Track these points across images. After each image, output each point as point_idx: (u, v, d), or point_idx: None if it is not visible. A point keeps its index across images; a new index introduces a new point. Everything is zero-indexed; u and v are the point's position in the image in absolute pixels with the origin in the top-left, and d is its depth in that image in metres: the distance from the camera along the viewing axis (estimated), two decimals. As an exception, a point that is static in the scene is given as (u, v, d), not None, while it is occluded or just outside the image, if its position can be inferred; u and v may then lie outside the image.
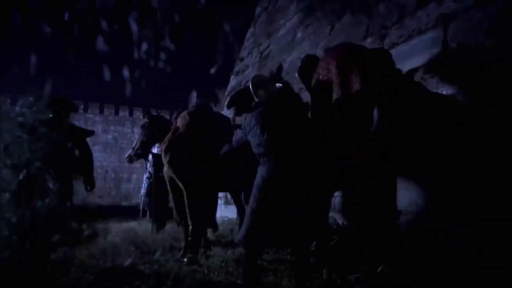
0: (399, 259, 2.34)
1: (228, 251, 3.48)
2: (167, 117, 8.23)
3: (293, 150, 2.52)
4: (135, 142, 4.49)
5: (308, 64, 2.83)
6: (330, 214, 3.67)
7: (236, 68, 7.09)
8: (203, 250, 3.51)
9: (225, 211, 6.43)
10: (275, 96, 2.69)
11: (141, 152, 4.45)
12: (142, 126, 4.42)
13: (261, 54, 6.15)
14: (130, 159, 4.63)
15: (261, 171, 2.55)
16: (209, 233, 4.80)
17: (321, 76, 2.59)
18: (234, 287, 2.38)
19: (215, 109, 5.72)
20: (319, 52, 4.41)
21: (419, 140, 2.61)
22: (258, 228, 2.45)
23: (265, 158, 2.54)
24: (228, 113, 3.19)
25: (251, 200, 2.52)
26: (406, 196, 2.75)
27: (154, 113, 5.04)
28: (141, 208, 6.44)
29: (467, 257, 2.11)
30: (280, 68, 3.13)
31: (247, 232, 2.45)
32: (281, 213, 2.44)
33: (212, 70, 2.66)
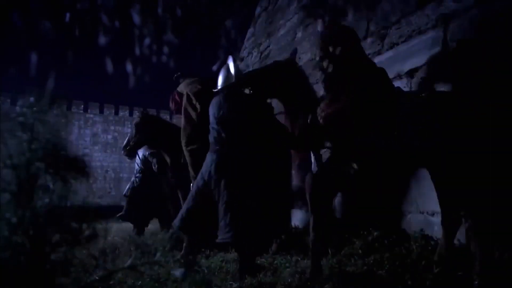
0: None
1: (228, 251, 3.48)
2: (167, 117, 8.20)
3: (242, 145, 2.46)
4: (126, 140, 4.49)
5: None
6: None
7: (236, 68, 7.07)
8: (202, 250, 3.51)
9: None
10: (233, 87, 2.64)
11: (132, 150, 4.45)
12: (136, 125, 4.41)
13: (261, 54, 6.15)
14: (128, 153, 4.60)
15: (207, 159, 2.56)
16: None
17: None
18: (234, 287, 2.38)
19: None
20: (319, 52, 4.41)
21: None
22: (191, 214, 2.48)
23: (213, 147, 2.53)
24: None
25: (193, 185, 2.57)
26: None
27: (150, 114, 5.00)
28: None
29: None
30: (295, 51, 2.98)
31: (181, 216, 2.51)
32: (215, 204, 2.42)
33: (215, 67, 2.62)
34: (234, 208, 2.35)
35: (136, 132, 4.36)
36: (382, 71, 2.44)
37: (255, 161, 2.48)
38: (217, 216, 2.40)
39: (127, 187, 5.43)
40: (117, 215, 4.83)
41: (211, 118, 2.60)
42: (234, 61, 2.76)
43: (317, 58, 2.57)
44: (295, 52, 2.80)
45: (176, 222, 2.57)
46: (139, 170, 5.14)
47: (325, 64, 2.45)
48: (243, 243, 2.43)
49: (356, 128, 2.28)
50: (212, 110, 2.62)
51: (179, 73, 3.78)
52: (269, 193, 2.54)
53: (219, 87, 2.69)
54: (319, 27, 2.64)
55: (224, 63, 2.78)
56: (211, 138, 2.58)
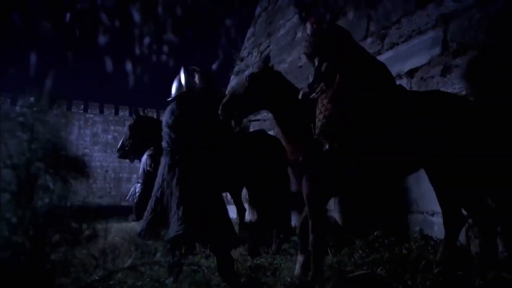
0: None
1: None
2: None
3: (192, 147, 2.64)
4: (120, 142, 4.44)
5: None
6: (330, 214, 3.67)
7: (236, 68, 7.08)
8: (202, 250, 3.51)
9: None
10: (186, 93, 2.85)
11: (127, 154, 4.38)
12: (130, 127, 4.35)
13: (261, 54, 6.15)
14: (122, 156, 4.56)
15: (161, 163, 2.74)
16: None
17: None
18: (234, 287, 2.38)
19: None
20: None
21: None
22: (152, 223, 2.59)
23: (166, 151, 2.71)
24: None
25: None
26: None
27: (145, 115, 4.91)
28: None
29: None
30: (267, 58, 3.00)
31: (144, 226, 2.64)
32: (171, 206, 2.53)
33: (214, 66, 2.61)
34: (185, 202, 2.48)
35: (130, 135, 4.30)
36: (382, 68, 2.42)
37: (204, 161, 2.66)
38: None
39: (131, 192, 5.45)
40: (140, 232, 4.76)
41: (164, 124, 2.79)
42: (185, 73, 2.96)
43: (306, 56, 2.61)
44: (267, 58, 2.74)
45: (140, 231, 2.65)
46: (143, 173, 5.12)
47: (316, 61, 2.47)
48: (195, 235, 2.53)
49: (356, 127, 2.27)
50: (165, 117, 2.82)
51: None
52: (218, 189, 2.74)
53: (172, 96, 2.90)
54: (308, 29, 2.67)
55: (230, 62, 2.82)
56: (164, 143, 2.74)
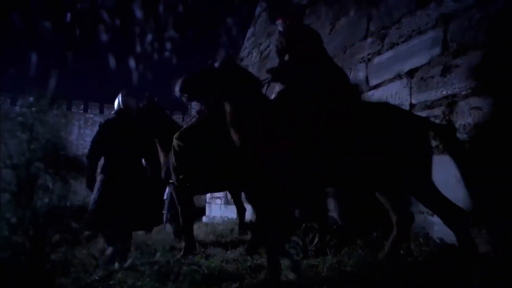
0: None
1: (228, 251, 3.48)
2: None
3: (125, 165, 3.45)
4: None
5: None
6: (330, 214, 3.68)
7: (236, 68, 7.07)
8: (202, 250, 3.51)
9: (225, 211, 6.43)
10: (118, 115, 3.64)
11: None
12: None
13: (261, 54, 6.15)
14: None
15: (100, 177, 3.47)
16: (210, 233, 4.81)
17: None
18: (234, 287, 2.38)
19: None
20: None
21: None
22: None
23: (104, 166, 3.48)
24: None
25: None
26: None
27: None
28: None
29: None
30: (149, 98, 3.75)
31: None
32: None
33: (216, 64, 2.60)
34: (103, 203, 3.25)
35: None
36: (343, 75, 2.62)
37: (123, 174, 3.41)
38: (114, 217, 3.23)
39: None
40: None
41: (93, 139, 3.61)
42: (122, 96, 3.73)
43: (277, 51, 2.74)
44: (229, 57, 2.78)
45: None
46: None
47: (285, 57, 2.62)
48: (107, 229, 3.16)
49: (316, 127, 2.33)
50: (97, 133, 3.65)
51: None
52: (134, 197, 3.42)
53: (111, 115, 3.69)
54: (280, 26, 2.82)
55: (229, 60, 2.82)
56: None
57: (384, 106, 2.62)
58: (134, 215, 3.33)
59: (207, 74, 2.51)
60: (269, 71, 2.63)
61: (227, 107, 2.50)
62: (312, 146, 2.32)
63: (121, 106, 3.64)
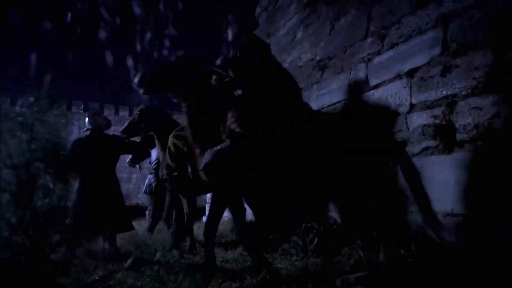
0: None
1: (228, 251, 3.48)
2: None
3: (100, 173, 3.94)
4: (127, 124, 4.48)
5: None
6: (330, 214, 3.68)
7: (236, 68, 7.07)
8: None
9: (225, 211, 6.42)
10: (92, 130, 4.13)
11: (134, 135, 4.49)
12: (141, 110, 4.38)
13: (261, 54, 6.14)
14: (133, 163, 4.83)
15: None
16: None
17: None
18: (234, 287, 2.38)
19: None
20: (319, 52, 4.42)
21: None
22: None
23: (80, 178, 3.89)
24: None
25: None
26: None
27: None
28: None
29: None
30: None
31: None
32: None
33: (218, 62, 2.68)
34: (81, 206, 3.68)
35: (139, 119, 4.33)
36: (292, 82, 2.87)
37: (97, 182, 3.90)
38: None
39: (146, 184, 5.72)
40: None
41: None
42: (89, 117, 4.21)
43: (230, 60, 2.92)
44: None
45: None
46: (154, 167, 5.26)
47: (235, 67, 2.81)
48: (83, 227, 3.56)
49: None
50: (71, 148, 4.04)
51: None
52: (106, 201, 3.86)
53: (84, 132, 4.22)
54: (229, 35, 3.00)
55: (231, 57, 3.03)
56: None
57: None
58: (106, 219, 3.77)
59: (163, 69, 2.65)
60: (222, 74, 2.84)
61: (182, 103, 2.68)
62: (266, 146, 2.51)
63: (90, 126, 4.16)
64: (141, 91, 2.57)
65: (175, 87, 2.67)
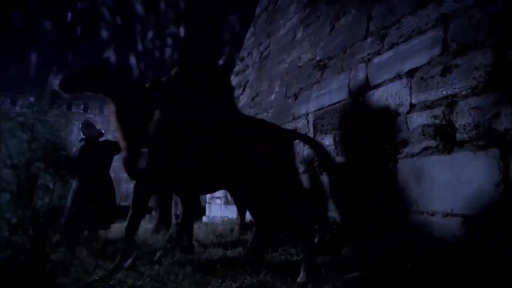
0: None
1: (228, 251, 3.48)
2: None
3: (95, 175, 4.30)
4: None
5: None
6: (330, 214, 3.68)
7: (236, 68, 7.09)
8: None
9: (225, 211, 6.43)
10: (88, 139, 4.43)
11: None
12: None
13: (261, 54, 6.15)
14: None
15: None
16: (210, 233, 4.81)
17: None
18: (234, 287, 2.38)
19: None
20: (319, 52, 4.42)
21: None
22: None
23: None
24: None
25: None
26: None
27: None
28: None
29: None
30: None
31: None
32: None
33: (221, 61, 2.81)
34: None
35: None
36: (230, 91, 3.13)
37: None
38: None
39: None
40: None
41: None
42: (82, 128, 4.50)
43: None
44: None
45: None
46: None
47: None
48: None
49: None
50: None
51: None
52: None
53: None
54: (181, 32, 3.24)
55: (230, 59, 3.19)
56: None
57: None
58: (96, 216, 3.99)
59: (85, 72, 2.87)
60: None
61: (111, 105, 2.93)
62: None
63: (84, 136, 4.56)
64: (61, 92, 2.77)
65: (98, 88, 2.92)
